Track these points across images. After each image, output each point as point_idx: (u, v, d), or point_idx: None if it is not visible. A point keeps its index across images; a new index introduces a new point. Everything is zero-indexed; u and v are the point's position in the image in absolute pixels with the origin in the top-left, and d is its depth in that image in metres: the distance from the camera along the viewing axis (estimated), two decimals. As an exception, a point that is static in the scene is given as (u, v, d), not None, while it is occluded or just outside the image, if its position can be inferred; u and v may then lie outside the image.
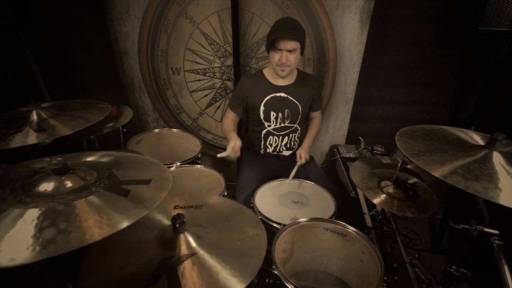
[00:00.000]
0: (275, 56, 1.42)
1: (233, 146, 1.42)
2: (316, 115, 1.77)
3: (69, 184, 0.68)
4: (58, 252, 0.50)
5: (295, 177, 1.51)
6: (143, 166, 0.84)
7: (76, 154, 0.87)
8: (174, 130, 1.97)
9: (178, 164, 1.57)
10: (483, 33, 1.59)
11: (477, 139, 0.97)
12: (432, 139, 0.98)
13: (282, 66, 1.44)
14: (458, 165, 0.82)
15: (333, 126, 2.18)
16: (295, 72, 1.61)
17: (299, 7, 1.79)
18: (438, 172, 0.80)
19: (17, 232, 0.54)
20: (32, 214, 0.57)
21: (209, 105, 2.16)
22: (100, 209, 0.62)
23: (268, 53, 1.46)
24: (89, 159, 0.85)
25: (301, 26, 1.42)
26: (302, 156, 1.56)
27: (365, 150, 2.08)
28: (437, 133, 1.02)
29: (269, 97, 1.55)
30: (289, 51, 1.39)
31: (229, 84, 2.06)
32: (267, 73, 1.59)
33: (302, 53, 1.46)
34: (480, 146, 0.91)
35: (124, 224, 0.59)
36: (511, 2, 1.49)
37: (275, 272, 0.95)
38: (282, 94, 1.56)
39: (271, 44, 1.40)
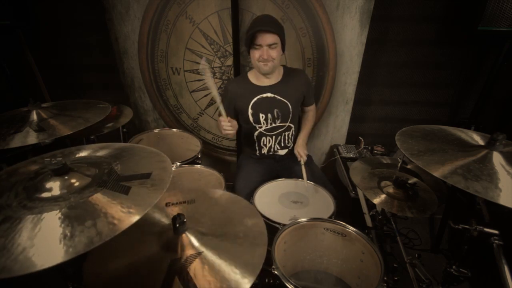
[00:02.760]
0: (256, 54, 1.41)
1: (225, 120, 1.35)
2: (310, 109, 1.73)
3: (76, 183, 0.69)
4: (93, 245, 0.54)
5: (294, 177, 1.51)
6: (141, 158, 0.84)
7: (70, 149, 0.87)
8: (174, 130, 1.97)
9: (178, 164, 1.57)
10: (483, 33, 1.59)
11: (477, 139, 0.97)
12: (432, 139, 0.98)
13: (264, 62, 1.42)
14: (458, 165, 0.82)
15: (333, 126, 2.18)
16: (281, 69, 1.58)
17: (299, 7, 1.79)
18: (438, 172, 0.80)
19: (44, 235, 0.55)
20: (52, 217, 0.59)
21: (209, 105, 2.15)
22: (119, 198, 0.64)
23: (249, 53, 1.45)
24: (84, 153, 0.86)
25: (278, 21, 1.41)
26: (301, 153, 1.54)
27: (365, 150, 2.08)
28: (437, 133, 1.02)
29: (255, 99, 1.53)
30: (270, 45, 1.37)
31: (229, 84, 2.06)
32: (251, 75, 1.57)
33: (283, 49, 1.44)
34: (480, 146, 0.91)
35: (147, 208, 0.62)
36: (511, 2, 1.49)
37: (275, 272, 0.94)
38: (269, 95, 1.53)
39: (251, 42, 1.38)
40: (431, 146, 0.93)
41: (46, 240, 0.54)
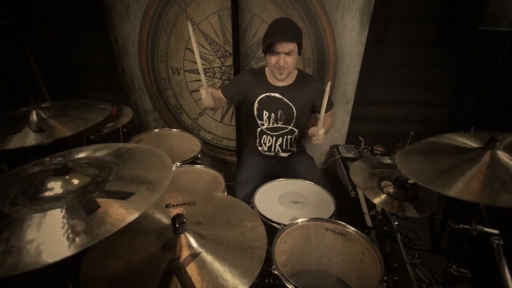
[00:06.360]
0: (272, 59, 1.42)
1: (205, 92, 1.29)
2: (327, 114, 1.66)
3: (76, 182, 0.69)
4: (95, 241, 0.55)
5: (295, 177, 1.51)
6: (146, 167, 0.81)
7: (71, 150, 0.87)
8: (174, 130, 1.97)
9: (178, 164, 1.57)
10: (483, 33, 1.59)
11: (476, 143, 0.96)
12: (437, 157, 0.93)
13: (280, 69, 1.44)
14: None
15: (333, 126, 2.18)
16: (295, 72, 1.59)
17: (299, 7, 1.79)
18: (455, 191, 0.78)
19: (48, 232, 0.57)
20: (56, 215, 0.59)
21: (209, 105, 2.15)
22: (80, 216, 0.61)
23: (265, 55, 1.46)
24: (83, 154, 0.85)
25: (297, 27, 1.41)
26: (318, 132, 1.41)
27: (365, 150, 2.08)
28: (441, 148, 0.97)
29: (263, 95, 1.55)
30: (287, 53, 1.38)
31: (229, 84, 2.06)
32: (268, 71, 1.58)
33: (299, 53, 1.45)
34: (480, 147, 0.91)
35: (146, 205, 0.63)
36: (511, 2, 1.49)
37: (275, 272, 0.94)
38: (277, 95, 1.55)
39: (268, 48, 1.38)
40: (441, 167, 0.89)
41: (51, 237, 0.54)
